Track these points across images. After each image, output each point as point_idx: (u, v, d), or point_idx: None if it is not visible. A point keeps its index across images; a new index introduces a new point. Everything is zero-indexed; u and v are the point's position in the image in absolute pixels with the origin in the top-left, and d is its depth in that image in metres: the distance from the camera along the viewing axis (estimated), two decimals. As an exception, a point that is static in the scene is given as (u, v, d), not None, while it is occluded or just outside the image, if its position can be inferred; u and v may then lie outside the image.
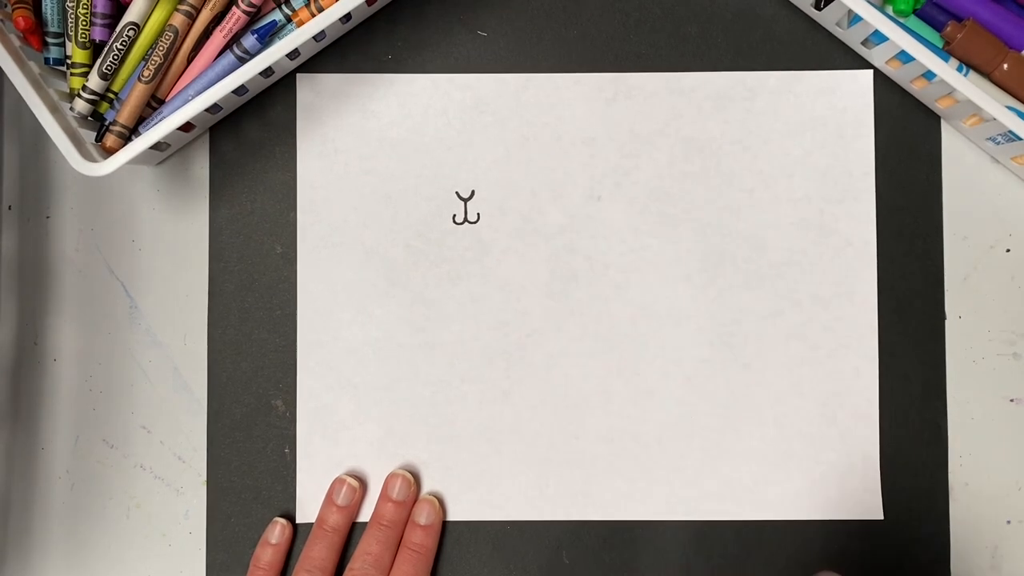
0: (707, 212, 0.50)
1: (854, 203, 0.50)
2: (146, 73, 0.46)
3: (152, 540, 0.50)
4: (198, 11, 0.46)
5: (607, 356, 0.49)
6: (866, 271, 0.49)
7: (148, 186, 0.51)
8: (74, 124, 0.46)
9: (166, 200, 0.51)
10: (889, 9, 0.48)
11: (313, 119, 0.50)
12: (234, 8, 0.46)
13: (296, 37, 0.45)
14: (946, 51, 0.47)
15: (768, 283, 0.50)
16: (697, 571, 0.49)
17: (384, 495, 0.48)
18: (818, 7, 0.48)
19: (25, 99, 0.44)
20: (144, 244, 0.50)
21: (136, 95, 0.46)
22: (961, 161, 0.50)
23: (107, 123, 0.48)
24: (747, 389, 0.49)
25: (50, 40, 0.47)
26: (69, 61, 0.47)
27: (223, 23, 0.46)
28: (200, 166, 0.51)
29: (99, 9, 0.46)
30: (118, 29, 0.46)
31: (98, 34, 0.46)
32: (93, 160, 0.44)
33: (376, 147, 0.50)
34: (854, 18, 0.48)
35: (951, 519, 0.49)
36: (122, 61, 0.46)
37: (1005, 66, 0.46)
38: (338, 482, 0.49)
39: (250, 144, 0.50)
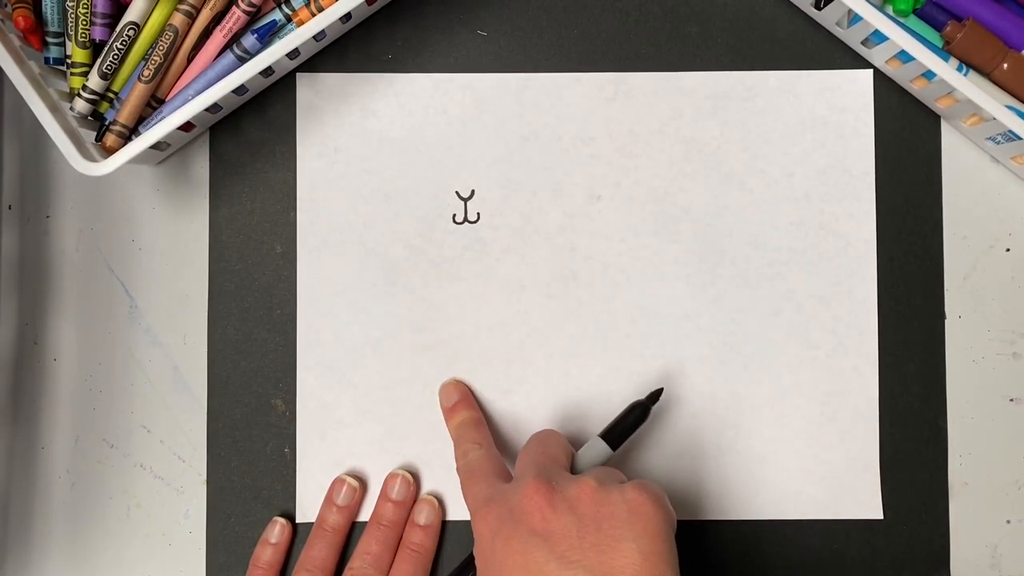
0: (707, 212, 0.50)
1: (854, 203, 0.50)
2: (146, 73, 0.46)
3: (152, 539, 0.50)
4: (198, 11, 0.46)
5: (607, 356, 0.49)
6: (866, 271, 0.49)
7: (148, 186, 0.51)
8: (74, 124, 0.46)
9: (166, 200, 0.51)
10: (889, 9, 0.48)
11: (313, 119, 0.50)
12: (234, 8, 0.46)
13: (296, 37, 0.45)
14: (946, 51, 0.47)
15: (768, 283, 0.50)
16: (696, 571, 0.49)
17: (383, 495, 0.48)
18: (818, 7, 0.48)
19: (25, 99, 0.44)
20: (144, 244, 0.50)
21: (136, 95, 0.46)
22: (961, 161, 0.50)
23: (107, 123, 0.48)
24: (747, 389, 0.49)
25: (50, 40, 0.47)
26: (69, 61, 0.47)
27: (223, 23, 0.46)
28: (200, 166, 0.51)
29: (99, 9, 0.46)
30: (118, 29, 0.46)
31: (98, 34, 0.46)
32: (93, 160, 0.44)
33: (376, 147, 0.50)
34: (854, 18, 0.48)
35: (951, 518, 0.49)
36: (122, 61, 0.46)
37: (1005, 66, 0.46)
38: (338, 482, 0.49)
39: (250, 144, 0.50)
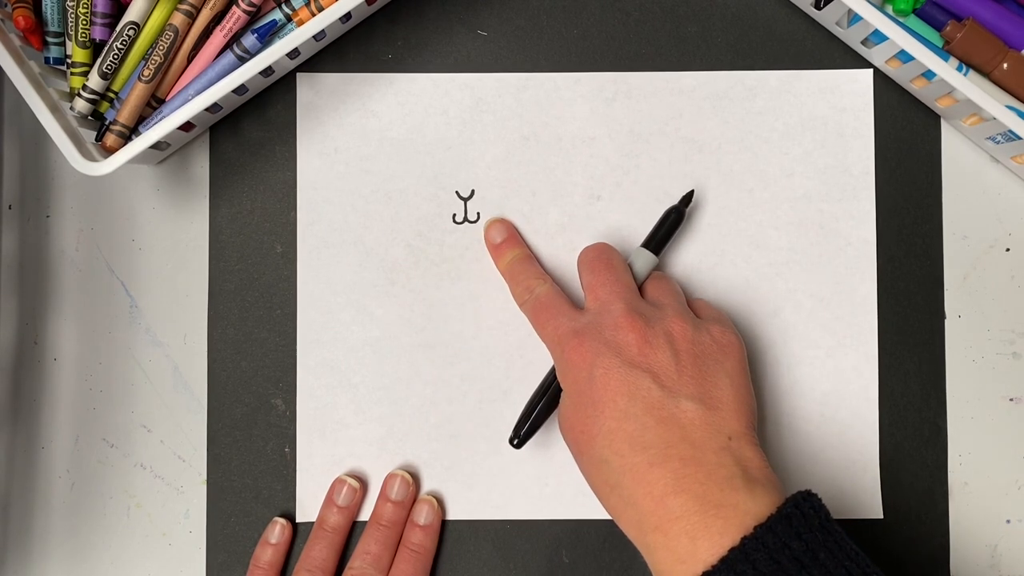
0: (707, 212, 0.50)
1: (854, 202, 0.50)
2: (146, 72, 0.46)
3: (152, 539, 0.50)
4: (198, 10, 0.46)
5: (607, 355, 0.49)
6: (866, 271, 0.49)
7: (148, 185, 0.51)
8: (74, 123, 0.46)
9: (166, 199, 0.51)
10: (889, 8, 0.48)
11: (313, 118, 0.50)
12: (234, 7, 0.46)
13: (296, 36, 0.45)
14: (946, 50, 0.47)
15: (768, 283, 0.50)
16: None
17: (383, 495, 0.48)
18: (818, 6, 0.48)
19: (25, 98, 0.44)
20: (144, 243, 0.51)
21: (136, 94, 0.46)
22: (961, 161, 0.50)
23: (107, 122, 0.48)
24: (747, 389, 0.49)
25: (50, 39, 0.47)
26: (69, 60, 0.47)
27: (223, 22, 0.46)
28: (200, 165, 0.51)
29: (99, 8, 0.46)
30: (118, 28, 0.46)
31: (98, 33, 0.46)
32: (93, 159, 0.44)
33: (376, 147, 0.50)
34: (854, 17, 0.48)
35: (951, 518, 0.49)
36: (122, 60, 0.46)
37: (1005, 65, 0.46)
38: (338, 482, 0.49)
39: (250, 143, 0.50)
